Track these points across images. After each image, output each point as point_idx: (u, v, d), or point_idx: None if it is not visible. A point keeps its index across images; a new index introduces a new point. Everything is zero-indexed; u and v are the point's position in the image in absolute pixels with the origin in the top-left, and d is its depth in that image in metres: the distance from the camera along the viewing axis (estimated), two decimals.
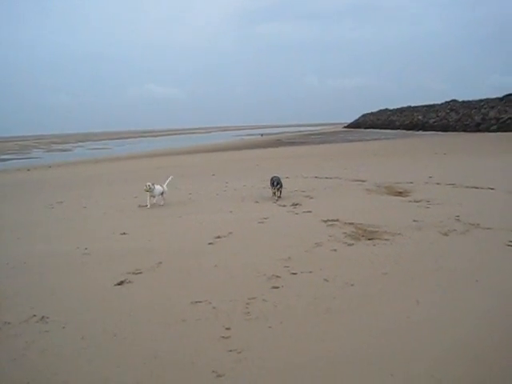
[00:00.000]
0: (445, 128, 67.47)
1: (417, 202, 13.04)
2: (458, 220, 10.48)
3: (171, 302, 6.56)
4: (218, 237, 10.10)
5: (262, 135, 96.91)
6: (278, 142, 63.18)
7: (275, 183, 14.53)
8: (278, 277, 7.30)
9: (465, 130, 61.61)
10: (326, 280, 7.05)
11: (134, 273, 7.91)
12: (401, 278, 7.06)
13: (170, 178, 15.61)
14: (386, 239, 9.17)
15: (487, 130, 56.79)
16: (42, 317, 6.27)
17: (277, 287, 6.89)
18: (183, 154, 47.83)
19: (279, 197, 14.67)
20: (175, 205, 14.84)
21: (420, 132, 70.29)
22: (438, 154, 28.32)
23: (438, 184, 16.07)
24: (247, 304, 6.32)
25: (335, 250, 8.59)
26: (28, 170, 36.54)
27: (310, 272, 7.44)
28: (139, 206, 14.54)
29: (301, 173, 21.51)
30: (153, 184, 14.31)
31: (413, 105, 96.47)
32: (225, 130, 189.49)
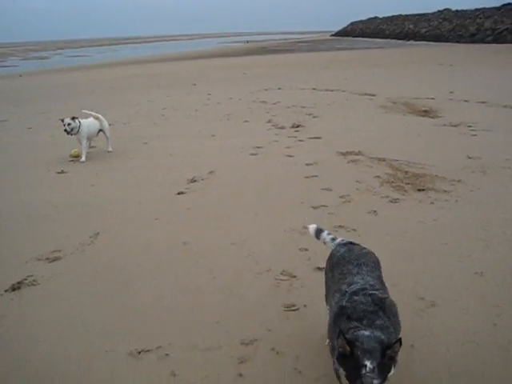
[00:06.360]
0: (437, 38, 64.15)
1: (454, 126, 10.06)
2: None
3: (90, 351, 3.36)
4: (193, 180, 7.01)
5: (247, 42, 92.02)
6: (265, 50, 58.52)
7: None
8: (293, 276, 4.16)
9: (458, 41, 58.30)
10: None
11: (40, 259, 4.73)
12: None
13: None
14: (444, 191, 6.11)
15: (482, 41, 53.60)
16: None
17: (293, 308, 3.72)
18: (164, 61, 43.39)
19: None
20: (142, 125, 11.63)
21: (411, 42, 66.72)
22: (443, 65, 24.92)
23: (466, 101, 13.09)
24: (241, 362, 3.16)
25: (375, 213, 5.50)
26: None
27: None
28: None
29: (295, 83, 18.35)
30: (74, 119, 8.53)
31: (404, 13, 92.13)
32: (208, 37, 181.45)
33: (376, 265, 2.98)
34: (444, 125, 10.18)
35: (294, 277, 4.13)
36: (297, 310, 3.66)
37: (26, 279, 4.35)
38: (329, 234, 3.34)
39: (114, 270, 4.47)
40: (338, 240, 3.22)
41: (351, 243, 3.16)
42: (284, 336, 3.36)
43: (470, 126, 9.85)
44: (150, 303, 3.90)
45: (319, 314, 3.42)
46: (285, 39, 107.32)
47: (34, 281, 4.32)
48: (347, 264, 2.91)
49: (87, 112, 9.09)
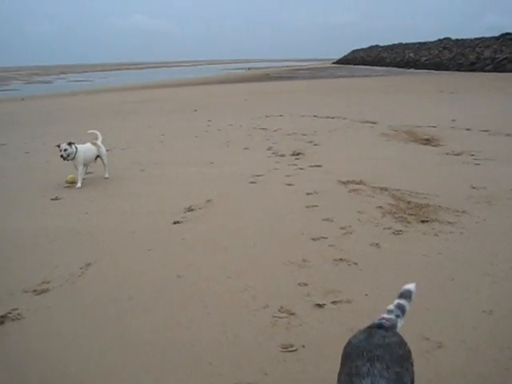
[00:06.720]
0: (437, 66, 64.57)
1: (457, 155, 9.86)
2: None
3: None
4: (190, 209, 6.80)
5: (249, 69, 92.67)
6: (267, 77, 58.80)
7: None
8: (291, 314, 3.92)
9: (458, 70, 58.60)
10: None
11: (27, 291, 4.49)
12: None
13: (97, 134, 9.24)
14: (448, 222, 5.91)
15: (482, 69, 53.76)
16: None
17: (291, 349, 3.46)
18: (165, 87, 43.55)
19: None
20: (141, 151, 11.50)
21: (411, 70, 67.21)
22: (444, 93, 24.93)
23: (468, 130, 12.90)
24: None
25: (377, 245, 5.28)
26: None
27: (349, 302, 4.06)
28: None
29: (295, 110, 18.24)
30: (70, 144, 8.37)
31: (404, 42, 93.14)
32: (211, 64, 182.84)
33: (397, 359, 2.02)
34: (446, 153, 10.01)
35: (293, 314, 3.88)
36: (295, 350, 3.42)
37: (10, 313, 4.09)
38: (407, 302, 2.52)
39: (105, 304, 4.24)
40: (383, 315, 2.36)
41: (379, 326, 2.23)
42: (280, 380, 3.12)
43: (472, 155, 9.68)
44: (140, 339, 3.68)
45: (318, 355, 3.21)
46: (287, 66, 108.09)
47: (18, 314, 4.07)
48: (357, 359, 2.00)
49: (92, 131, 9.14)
